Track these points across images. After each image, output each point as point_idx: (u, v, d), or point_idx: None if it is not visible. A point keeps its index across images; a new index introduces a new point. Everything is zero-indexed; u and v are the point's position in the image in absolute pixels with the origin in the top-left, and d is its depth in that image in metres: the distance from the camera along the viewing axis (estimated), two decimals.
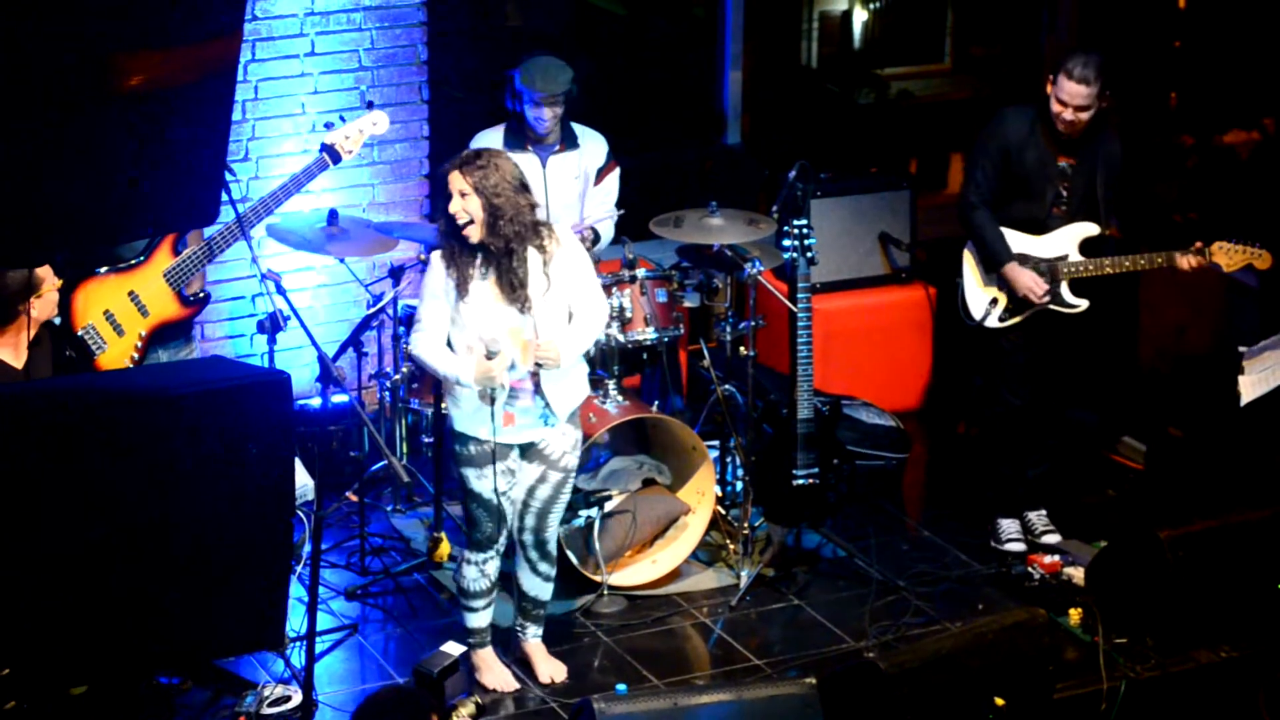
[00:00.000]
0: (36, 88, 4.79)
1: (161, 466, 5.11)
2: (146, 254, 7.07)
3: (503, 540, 6.73)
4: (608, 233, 7.99)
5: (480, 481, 6.63)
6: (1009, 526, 7.92)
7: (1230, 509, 7.45)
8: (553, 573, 6.92)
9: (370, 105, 7.95)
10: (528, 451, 6.67)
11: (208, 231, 7.10)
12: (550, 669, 6.94)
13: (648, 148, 9.46)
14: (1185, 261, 7.63)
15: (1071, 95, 7.45)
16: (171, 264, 7.09)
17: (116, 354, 6.97)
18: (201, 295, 7.27)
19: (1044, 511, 7.98)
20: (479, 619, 6.85)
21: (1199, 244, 7.64)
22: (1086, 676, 6.95)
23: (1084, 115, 7.48)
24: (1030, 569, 7.61)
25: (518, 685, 6.88)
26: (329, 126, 7.34)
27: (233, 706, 6.63)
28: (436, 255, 6.56)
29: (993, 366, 7.84)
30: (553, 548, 6.86)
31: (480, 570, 6.76)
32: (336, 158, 7.29)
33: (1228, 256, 7.63)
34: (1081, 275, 7.66)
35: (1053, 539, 7.88)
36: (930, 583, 7.66)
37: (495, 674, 6.89)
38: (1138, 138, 8.57)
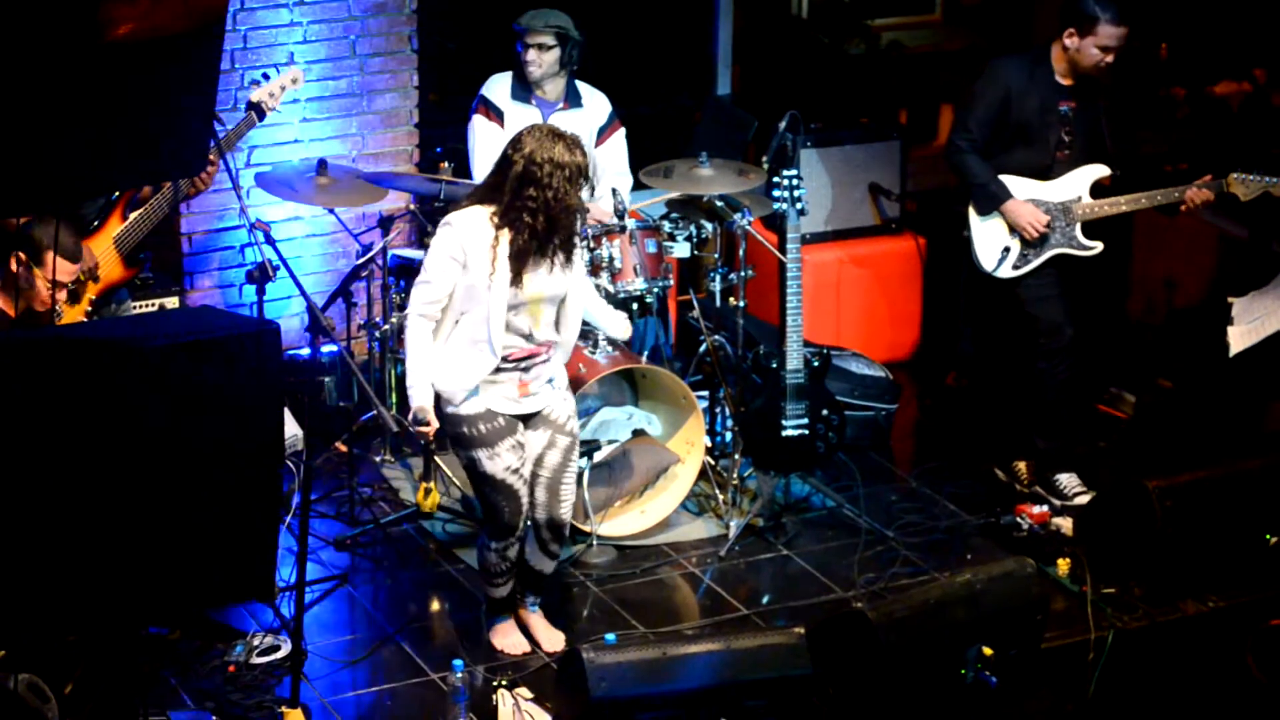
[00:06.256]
0: (23, 37, 4.77)
1: (150, 416, 5.10)
2: (102, 219, 7.04)
3: (522, 526, 6.61)
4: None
5: (493, 462, 6.49)
6: (1070, 481, 7.85)
7: (1219, 460, 7.48)
8: (562, 553, 6.88)
9: (291, 60, 7.96)
10: (532, 420, 6.60)
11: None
12: (550, 639, 6.86)
13: (638, 98, 9.42)
14: (1199, 195, 7.61)
15: (1117, 38, 7.48)
16: (121, 229, 7.05)
17: (69, 320, 6.93)
18: (142, 256, 7.21)
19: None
20: (501, 591, 6.79)
21: (1209, 176, 7.64)
22: (1074, 626, 6.98)
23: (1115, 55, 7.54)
24: (1019, 519, 7.61)
25: (528, 649, 6.82)
26: (255, 83, 7.38)
27: (222, 656, 6.65)
28: (467, 218, 6.37)
29: (1031, 311, 7.77)
30: (566, 529, 6.77)
31: (500, 555, 6.66)
32: (262, 114, 7.34)
33: (1244, 187, 7.63)
34: (1097, 216, 7.67)
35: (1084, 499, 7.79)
36: (919, 533, 7.68)
37: (510, 639, 6.83)
38: (1129, 88, 8.55)
